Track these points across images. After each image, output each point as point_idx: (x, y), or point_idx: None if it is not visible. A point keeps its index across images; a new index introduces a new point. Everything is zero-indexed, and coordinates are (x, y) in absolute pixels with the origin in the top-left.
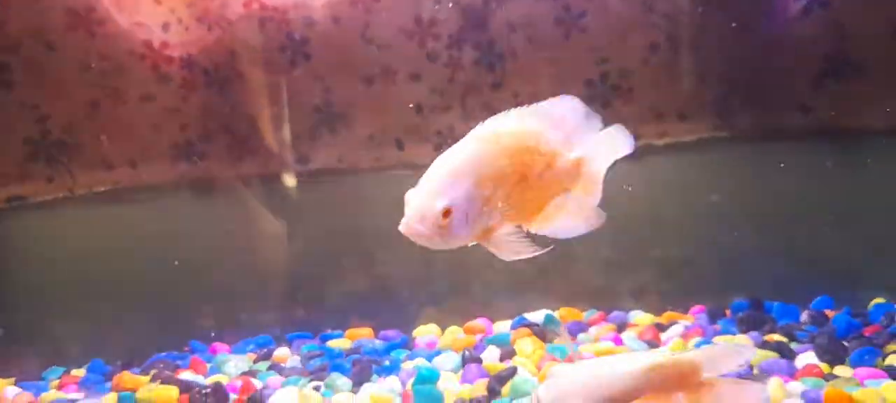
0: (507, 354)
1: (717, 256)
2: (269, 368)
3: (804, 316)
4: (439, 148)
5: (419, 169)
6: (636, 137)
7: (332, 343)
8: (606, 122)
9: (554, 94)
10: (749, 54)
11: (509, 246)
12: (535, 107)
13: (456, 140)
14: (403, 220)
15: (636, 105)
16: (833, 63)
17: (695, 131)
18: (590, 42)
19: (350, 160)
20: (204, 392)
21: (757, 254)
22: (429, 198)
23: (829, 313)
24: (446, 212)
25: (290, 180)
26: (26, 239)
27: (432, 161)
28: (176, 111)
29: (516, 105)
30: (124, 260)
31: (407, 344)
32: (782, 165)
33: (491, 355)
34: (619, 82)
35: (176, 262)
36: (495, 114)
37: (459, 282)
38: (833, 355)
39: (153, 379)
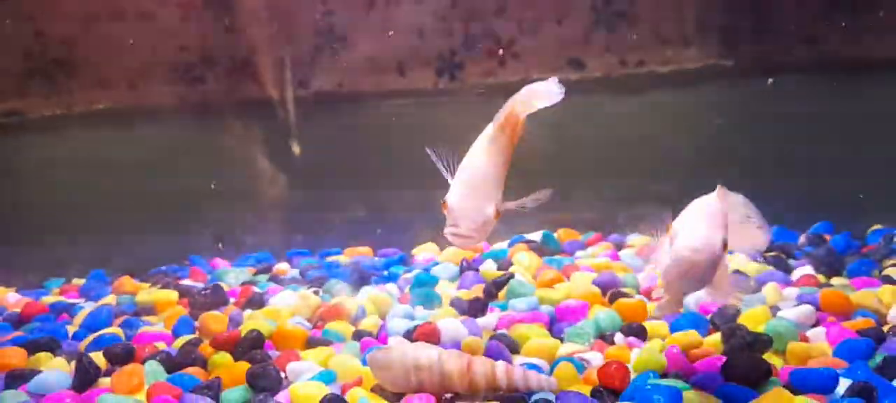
0: (505, 267)
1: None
2: (269, 279)
3: (802, 239)
4: (440, 73)
5: (420, 95)
6: (641, 63)
7: (330, 259)
8: (611, 47)
9: (559, 20)
10: None
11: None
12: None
13: (455, 66)
14: (453, 229)
15: (640, 30)
16: None
17: (699, 59)
18: None
19: (350, 84)
20: (203, 291)
21: (757, 184)
22: (481, 207)
23: (828, 237)
24: (497, 215)
25: (290, 104)
26: (27, 156)
27: (434, 86)
28: (175, 32)
29: (520, 32)
30: (125, 178)
31: (405, 261)
32: (771, 81)
33: (488, 266)
34: (623, 7)
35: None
36: (498, 41)
37: None
38: (830, 267)
39: (153, 286)
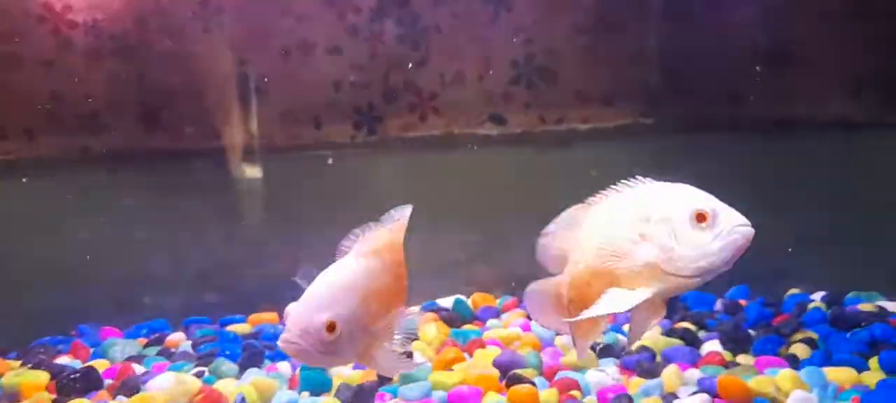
0: (410, 337)
1: None
2: (159, 353)
3: (718, 305)
4: (359, 127)
5: (337, 148)
6: (560, 120)
7: (231, 328)
8: (533, 104)
9: (481, 75)
10: (679, 41)
11: (391, 364)
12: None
13: (373, 119)
14: (282, 336)
15: (560, 88)
16: (766, 53)
17: (620, 117)
18: (516, 21)
19: (264, 136)
20: (73, 376)
21: None
22: (311, 312)
23: (744, 302)
24: (330, 327)
25: (201, 156)
26: None
27: (351, 139)
28: (80, 80)
29: (441, 84)
30: (19, 237)
31: None
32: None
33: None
34: (545, 64)
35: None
36: (419, 93)
37: None
38: (736, 343)
39: (24, 364)
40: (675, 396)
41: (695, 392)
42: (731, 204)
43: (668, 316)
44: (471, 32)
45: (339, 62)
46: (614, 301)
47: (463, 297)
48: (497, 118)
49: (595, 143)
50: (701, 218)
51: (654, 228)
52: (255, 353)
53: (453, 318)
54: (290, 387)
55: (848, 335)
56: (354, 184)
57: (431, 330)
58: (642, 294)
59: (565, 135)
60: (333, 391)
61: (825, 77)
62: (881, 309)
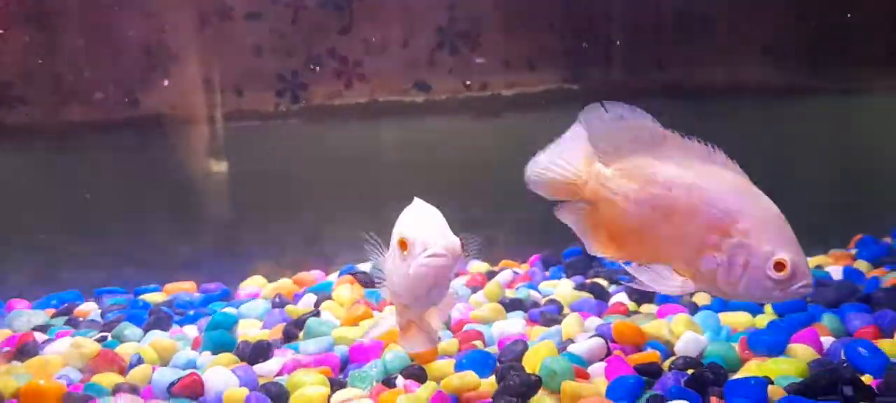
0: (325, 299)
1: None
2: (67, 322)
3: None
4: (281, 94)
5: (261, 117)
6: (485, 87)
7: (145, 297)
8: (455, 69)
9: (405, 41)
10: (600, 7)
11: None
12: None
13: (298, 87)
14: (434, 258)
15: (485, 54)
16: (687, 19)
17: (545, 83)
18: None
19: (184, 106)
20: None
21: None
22: (450, 235)
23: None
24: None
25: (119, 127)
26: None
27: (275, 109)
28: None
29: (366, 51)
30: None
31: (227, 297)
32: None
33: (307, 301)
34: (467, 28)
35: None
36: (344, 60)
37: (310, 237)
38: (642, 294)
39: None
40: (571, 341)
41: (592, 337)
42: None
43: (583, 273)
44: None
45: (260, 28)
46: (662, 283)
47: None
48: (422, 85)
49: (521, 111)
50: (780, 268)
51: (731, 249)
52: (161, 318)
53: (370, 281)
54: (194, 348)
55: None
56: (279, 152)
57: (346, 291)
58: (687, 287)
59: (490, 101)
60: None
61: (744, 43)
62: None
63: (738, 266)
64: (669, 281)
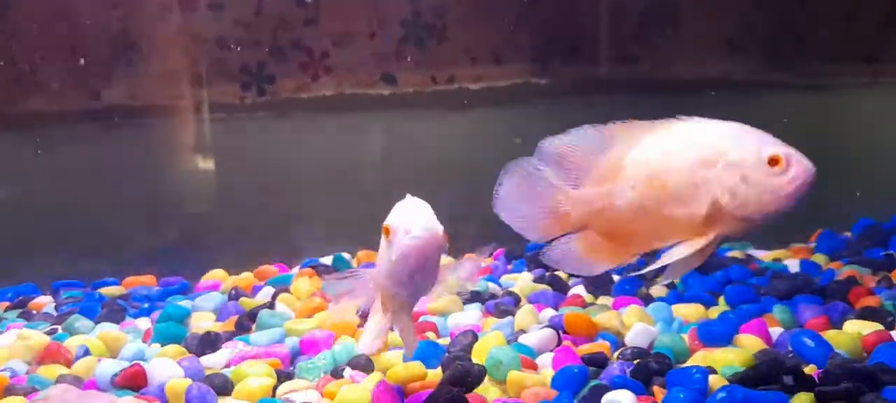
0: (283, 293)
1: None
2: (20, 315)
3: None
4: (247, 88)
5: (226, 109)
6: (451, 80)
7: (102, 290)
8: (421, 64)
9: (372, 33)
10: (566, 2)
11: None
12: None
13: (263, 79)
14: (415, 239)
15: (451, 46)
16: (653, 14)
17: (511, 76)
18: None
19: (145, 97)
20: None
21: None
22: (434, 219)
23: None
24: (447, 235)
25: (80, 119)
26: None
27: (240, 101)
28: None
29: (333, 43)
30: None
31: (187, 290)
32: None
33: (265, 294)
34: (433, 21)
35: None
36: (310, 52)
37: (275, 230)
38: (599, 286)
39: None
40: (523, 332)
41: (543, 328)
42: None
43: (543, 267)
44: None
45: (223, 19)
46: (685, 254)
47: (346, 254)
48: (389, 78)
49: (489, 104)
50: (775, 162)
51: (721, 173)
52: (115, 310)
53: (331, 273)
54: (144, 340)
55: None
56: (244, 145)
57: (304, 284)
58: (708, 241)
59: (457, 94)
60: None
61: (706, 37)
62: (749, 256)
63: (739, 185)
64: (693, 244)
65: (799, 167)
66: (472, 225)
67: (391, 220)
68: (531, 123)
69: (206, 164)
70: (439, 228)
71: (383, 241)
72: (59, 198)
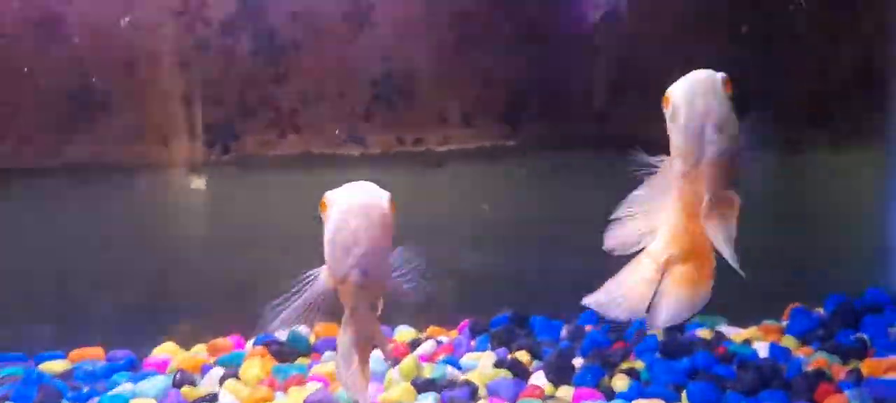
0: (232, 375)
1: (512, 268)
2: None
3: (564, 332)
4: (212, 146)
5: (191, 165)
6: (419, 141)
7: (44, 366)
8: (390, 123)
9: (340, 93)
10: (541, 61)
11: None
12: None
13: (229, 137)
14: (352, 204)
15: (419, 108)
16: (625, 74)
17: (480, 138)
18: (376, 40)
19: (108, 155)
20: None
21: (549, 265)
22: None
23: (590, 328)
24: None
25: (39, 176)
26: None
27: (205, 160)
28: None
29: (301, 101)
30: None
31: (134, 366)
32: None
33: (213, 376)
34: (403, 83)
35: None
36: (278, 110)
37: (236, 294)
38: (561, 374)
39: None
40: None
41: None
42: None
43: (506, 345)
44: (330, 50)
45: (189, 77)
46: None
47: (305, 329)
48: (356, 138)
49: (458, 164)
50: (665, 104)
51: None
52: (50, 395)
53: (285, 353)
54: None
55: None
56: (208, 203)
57: (254, 368)
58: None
59: (425, 155)
60: None
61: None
62: (718, 334)
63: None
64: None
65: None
66: (438, 287)
67: (329, 193)
68: (500, 182)
69: (168, 223)
70: (382, 197)
71: (323, 219)
72: (10, 260)
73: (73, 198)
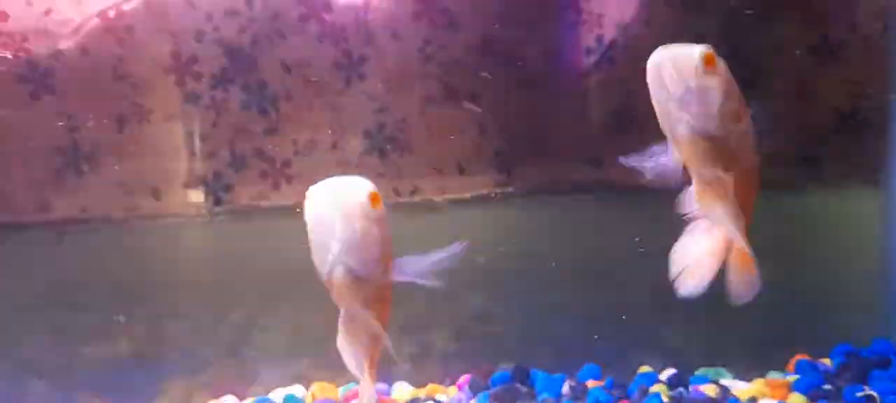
0: None
1: (517, 316)
2: None
3: (566, 388)
4: (206, 197)
5: (183, 218)
6: (415, 191)
7: None
8: (385, 174)
9: (334, 143)
10: (535, 107)
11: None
12: None
13: (221, 188)
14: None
15: (414, 158)
16: (620, 118)
17: (474, 186)
18: (368, 89)
19: (98, 209)
20: None
21: (550, 310)
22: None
23: (593, 383)
24: (374, 197)
25: (28, 231)
26: None
27: (197, 211)
28: None
29: (294, 152)
30: None
31: None
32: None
33: None
34: (396, 133)
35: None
36: (271, 161)
37: (231, 349)
38: None
39: None
40: None
41: None
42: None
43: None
44: (322, 100)
45: (179, 130)
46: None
47: (300, 390)
48: None
49: (455, 211)
50: None
51: None
52: None
53: None
54: None
55: None
56: (199, 255)
57: None
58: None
59: (420, 205)
60: None
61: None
62: (724, 390)
63: None
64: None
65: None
66: (437, 335)
67: (310, 188)
68: (497, 226)
69: (159, 277)
70: (361, 188)
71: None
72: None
73: (62, 253)
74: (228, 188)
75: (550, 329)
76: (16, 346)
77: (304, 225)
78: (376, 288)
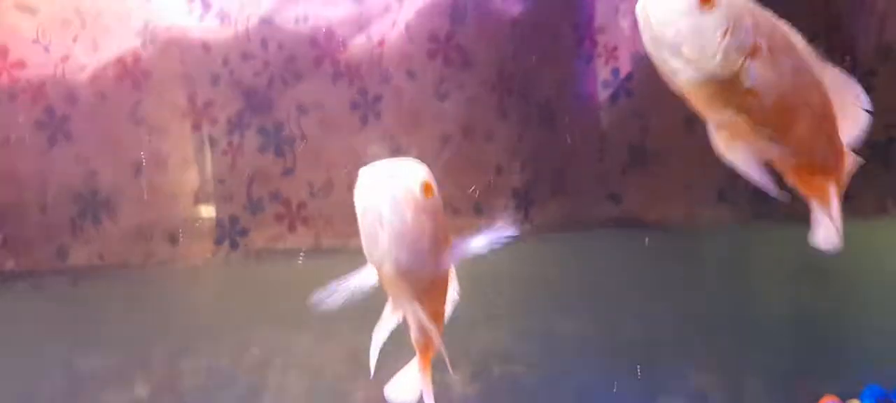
0: None
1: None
2: None
3: None
4: (219, 241)
5: (199, 262)
6: None
7: None
8: None
9: (350, 185)
10: (553, 143)
11: None
12: None
13: (237, 233)
14: (372, 180)
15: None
16: (636, 153)
17: (491, 225)
18: (384, 128)
19: (115, 255)
20: None
21: (575, 351)
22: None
23: None
24: (427, 188)
25: (44, 278)
26: None
27: (213, 256)
28: None
29: (310, 194)
30: None
31: None
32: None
33: None
34: None
35: None
36: (287, 203)
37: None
38: None
39: None
40: None
41: None
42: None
43: None
44: (338, 141)
45: (196, 175)
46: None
47: None
48: None
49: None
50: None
51: None
52: None
53: None
54: None
55: None
56: (215, 298)
57: None
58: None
59: None
60: None
61: (700, 179)
62: None
63: None
64: None
65: None
66: (453, 374)
67: (362, 169)
68: (514, 264)
69: (177, 322)
70: (413, 174)
71: None
72: (20, 362)
73: (79, 298)
74: (244, 232)
75: (571, 367)
76: (34, 392)
77: (312, 261)
78: (431, 282)
